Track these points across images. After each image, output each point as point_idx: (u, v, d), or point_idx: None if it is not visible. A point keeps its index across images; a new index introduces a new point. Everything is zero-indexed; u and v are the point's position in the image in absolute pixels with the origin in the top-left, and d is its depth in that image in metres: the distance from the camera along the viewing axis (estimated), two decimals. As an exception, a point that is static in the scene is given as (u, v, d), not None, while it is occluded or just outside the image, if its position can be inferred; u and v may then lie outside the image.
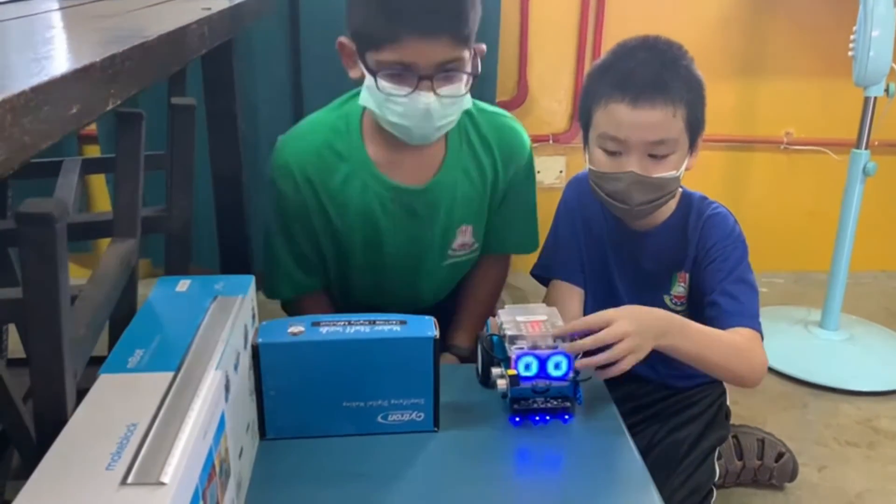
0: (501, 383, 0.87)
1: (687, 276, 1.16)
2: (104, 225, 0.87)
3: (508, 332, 0.89)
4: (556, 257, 1.23)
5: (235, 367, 0.74)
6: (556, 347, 0.87)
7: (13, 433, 0.67)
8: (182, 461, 0.55)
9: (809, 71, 2.12)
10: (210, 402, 0.63)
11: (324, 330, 0.83)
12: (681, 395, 1.23)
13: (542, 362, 0.87)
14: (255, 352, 0.82)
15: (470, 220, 1.21)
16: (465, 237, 1.22)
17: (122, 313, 0.84)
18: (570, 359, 0.87)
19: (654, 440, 1.17)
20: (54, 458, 0.55)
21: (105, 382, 0.65)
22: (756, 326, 1.08)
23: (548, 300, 1.24)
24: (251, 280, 0.84)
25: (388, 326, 0.83)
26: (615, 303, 1.18)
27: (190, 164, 0.93)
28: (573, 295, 1.22)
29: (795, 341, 1.85)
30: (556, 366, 0.87)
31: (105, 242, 0.87)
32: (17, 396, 0.65)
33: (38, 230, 0.53)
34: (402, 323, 0.84)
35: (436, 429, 0.87)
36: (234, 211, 1.22)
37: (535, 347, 0.87)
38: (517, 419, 0.88)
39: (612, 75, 1.05)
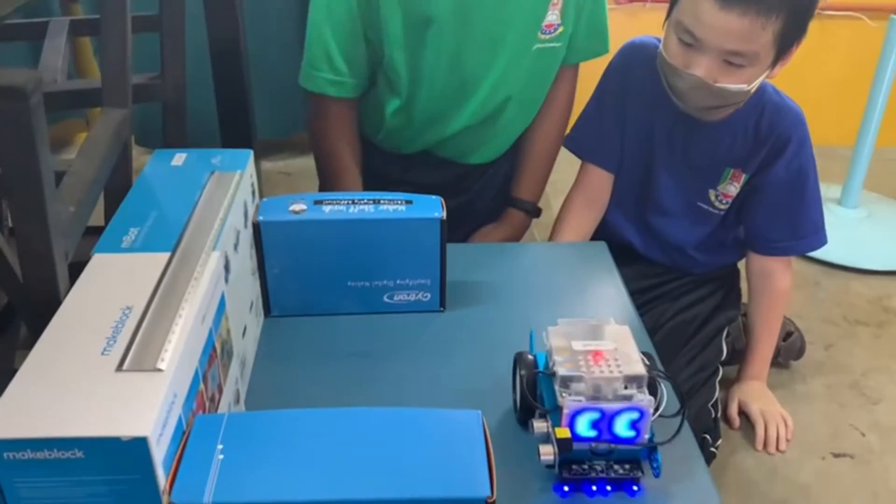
0: (546, 452, 0.60)
1: (744, 177, 1.10)
2: (93, 93, 0.83)
3: (560, 371, 0.60)
4: (593, 137, 1.17)
5: (235, 247, 0.72)
6: (630, 398, 0.59)
7: (18, 305, 0.66)
8: (179, 347, 0.53)
9: (852, -73, 1.96)
10: (208, 284, 0.61)
11: (326, 209, 0.80)
12: (693, 276, 1.21)
13: (609, 420, 0.59)
14: (257, 230, 0.79)
15: None
16: (554, 13, 1.09)
17: (117, 186, 0.81)
18: (646, 414, 0.59)
19: (662, 319, 1.16)
20: (48, 345, 0.53)
21: (99, 263, 0.62)
22: (793, 249, 1.17)
23: (578, 180, 1.20)
24: (250, 154, 0.80)
25: (394, 206, 0.80)
26: (651, 190, 1.14)
27: (181, 26, 0.87)
28: (605, 182, 1.18)
29: (812, 219, 1.82)
30: (628, 425, 0.60)
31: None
32: (20, 269, 0.63)
33: (12, 105, 0.48)
34: (408, 203, 0.81)
35: (442, 309, 0.85)
36: (233, 80, 1.15)
37: (598, 397, 0.59)
38: (565, 489, 0.62)
39: None
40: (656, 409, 0.60)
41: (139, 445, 0.47)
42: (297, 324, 0.84)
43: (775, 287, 1.17)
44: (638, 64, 1.08)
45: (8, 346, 0.92)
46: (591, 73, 1.22)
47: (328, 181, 1.18)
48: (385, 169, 1.21)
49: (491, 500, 0.48)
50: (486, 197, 1.27)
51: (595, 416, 0.59)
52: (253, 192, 0.81)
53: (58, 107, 0.82)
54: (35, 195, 0.51)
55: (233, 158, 0.79)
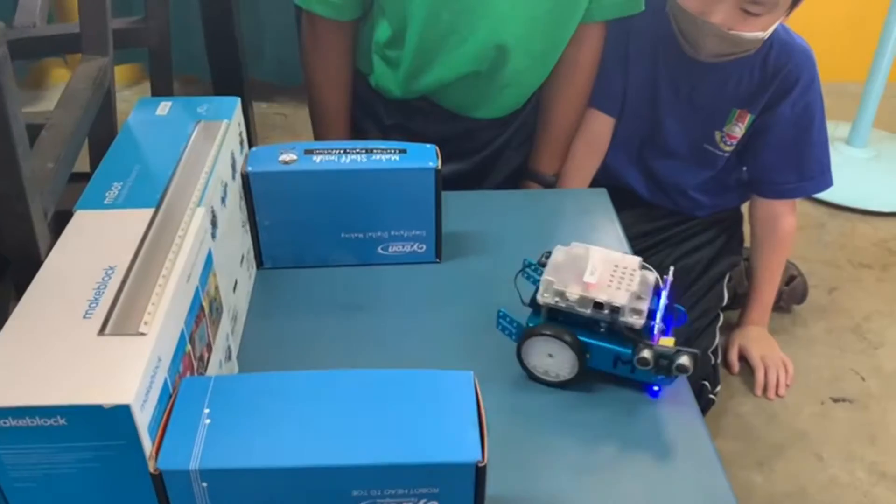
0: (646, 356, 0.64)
1: (749, 117, 1.07)
2: (73, 38, 0.79)
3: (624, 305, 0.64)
4: (596, 81, 1.13)
5: (223, 200, 0.70)
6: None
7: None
8: (163, 309, 0.52)
9: None
10: (193, 242, 0.59)
11: (317, 159, 0.77)
12: (695, 220, 1.19)
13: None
14: (246, 181, 0.77)
15: None
16: None
17: (101, 135, 0.79)
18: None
19: (662, 266, 1.14)
20: (28, 308, 0.52)
21: (81, 220, 0.60)
22: (798, 191, 1.14)
23: (578, 127, 1.16)
24: (237, 102, 0.77)
25: (387, 156, 0.77)
26: (656, 133, 1.11)
27: (163, -33, 0.83)
28: (606, 127, 1.14)
29: (819, 159, 1.78)
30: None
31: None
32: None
33: (-26, 59, 0.46)
34: (402, 152, 0.78)
35: (438, 260, 0.84)
36: (222, 21, 1.11)
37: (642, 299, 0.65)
38: (655, 389, 0.67)
39: None
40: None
41: (122, 412, 0.46)
42: (291, 276, 0.82)
43: (779, 231, 1.15)
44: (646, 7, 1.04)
45: (2, 299, 0.91)
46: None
47: (311, 107, 1.12)
48: (384, 116, 1.14)
49: (482, 465, 0.47)
50: (501, 164, 1.17)
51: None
52: (241, 142, 0.79)
53: (36, 53, 0.79)
54: (6, 154, 0.49)
55: (219, 107, 0.76)
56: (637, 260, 0.68)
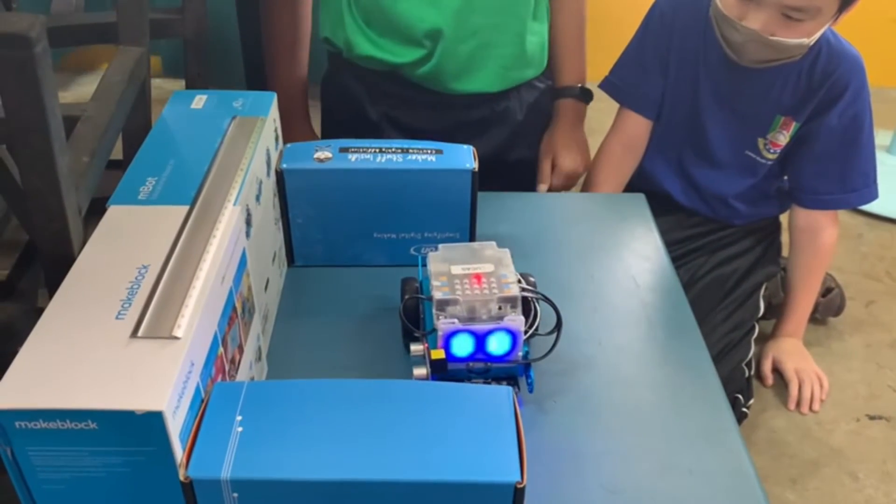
0: (418, 374, 0.63)
1: (794, 125, 1.05)
2: (110, 27, 0.78)
3: (437, 295, 0.63)
4: (632, 82, 1.10)
5: (257, 198, 0.69)
6: (500, 319, 0.62)
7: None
8: (197, 311, 0.51)
9: None
10: (228, 242, 0.58)
11: (352, 157, 0.76)
12: (733, 228, 1.16)
13: (480, 340, 0.62)
14: (280, 178, 0.76)
15: None
16: None
17: (135, 128, 0.78)
18: (517, 335, 0.62)
19: (698, 273, 1.12)
20: (61, 306, 0.51)
21: (114, 216, 0.59)
22: (841, 203, 1.10)
23: (615, 126, 1.14)
24: (273, 98, 0.76)
25: (423, 156, 0.76)
26: (697, 139, 1.09)
27: (202, -42, 0.81)
28: (643, 129, 1.12)
29: (858, 167, 1.73)
30: (500, 343, 0.63)
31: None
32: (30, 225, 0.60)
33: (14, 53, 0.44)
34: (438, 152, 0.76)
35: (472, 263, 0.82)
36: (257, 15, 1.10)
37: (473, 318, 0.62)
38: None
39: None
40: (530, 328, 0.64)
41: (154, 419, 0.45)
42: (322, 274, 0.81)
43: (820, 243, 1.12)
44: (685, 11, 1.01)
45: (31, 285, 0.91)
46: (631, 14, 1.14)
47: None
48: (370, 108, 1.09)
49: (520, 486, 0.46)
50: (506, 166, 1.11)
51: (468, 338, 0.62)
52: (276, 138, 0.77)
53: (72, 42, 0.78)
54: (43, 150, 0.48)
55: (255, 102, 0.75)
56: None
